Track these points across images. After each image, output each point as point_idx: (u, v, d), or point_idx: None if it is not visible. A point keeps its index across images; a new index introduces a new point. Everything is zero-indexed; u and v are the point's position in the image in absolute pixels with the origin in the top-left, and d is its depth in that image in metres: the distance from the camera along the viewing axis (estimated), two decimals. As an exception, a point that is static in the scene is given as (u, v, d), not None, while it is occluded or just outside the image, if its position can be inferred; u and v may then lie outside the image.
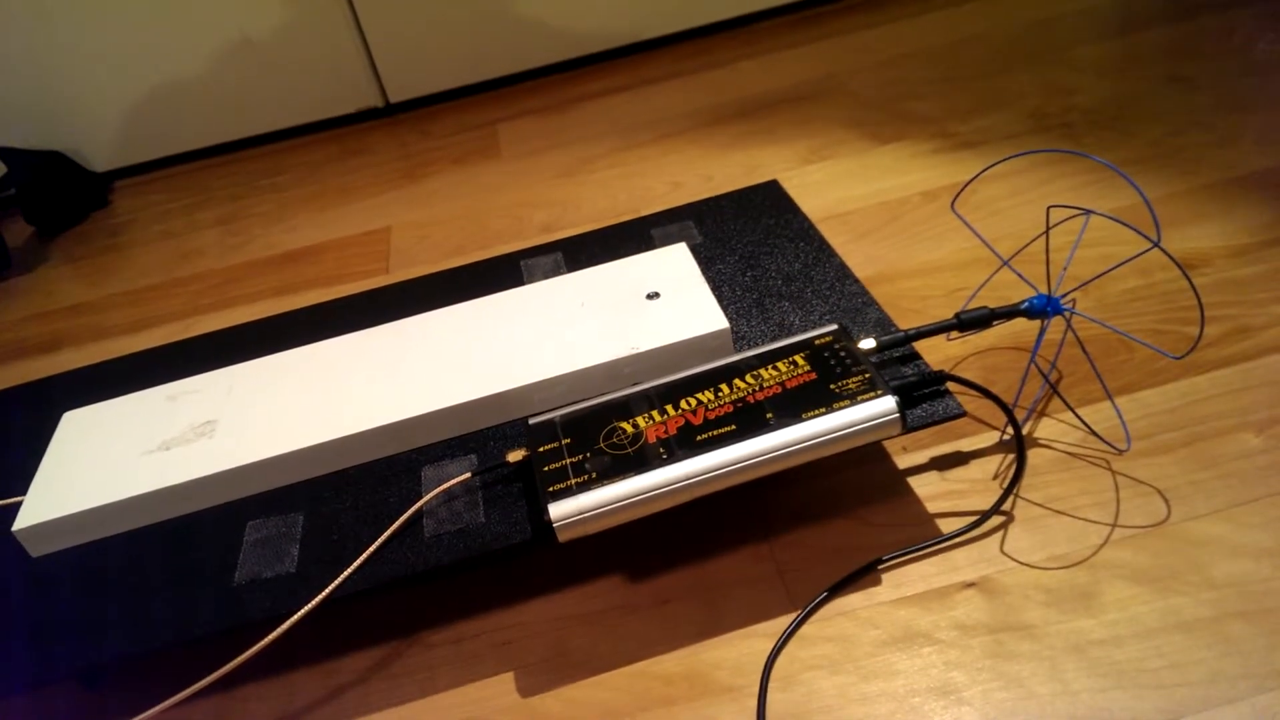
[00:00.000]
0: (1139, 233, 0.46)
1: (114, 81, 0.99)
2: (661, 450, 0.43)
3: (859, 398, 0.43)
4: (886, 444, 0.52)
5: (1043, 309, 0.48)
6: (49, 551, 0.48)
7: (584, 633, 0.46)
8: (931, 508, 0.48)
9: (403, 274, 0.78)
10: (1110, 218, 0.49)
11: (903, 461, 0.51)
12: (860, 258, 0.67)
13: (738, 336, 0.53)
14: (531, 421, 0.46)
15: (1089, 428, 0.51)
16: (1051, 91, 0.82)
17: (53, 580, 0.46)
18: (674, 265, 0.55)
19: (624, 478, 0.42)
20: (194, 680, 0.42)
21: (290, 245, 0.86)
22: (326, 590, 0.42)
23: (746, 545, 0.48)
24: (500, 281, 0.61)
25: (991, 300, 0.60)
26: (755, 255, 0.59)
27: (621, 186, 0.83)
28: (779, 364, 0.46)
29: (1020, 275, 0.54)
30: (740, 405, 0.44)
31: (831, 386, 0.44)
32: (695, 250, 0.60)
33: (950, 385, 0.49)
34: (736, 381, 0.45)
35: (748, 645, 0.44)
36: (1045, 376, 0.54)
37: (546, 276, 0.60)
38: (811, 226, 0.61)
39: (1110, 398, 0.52)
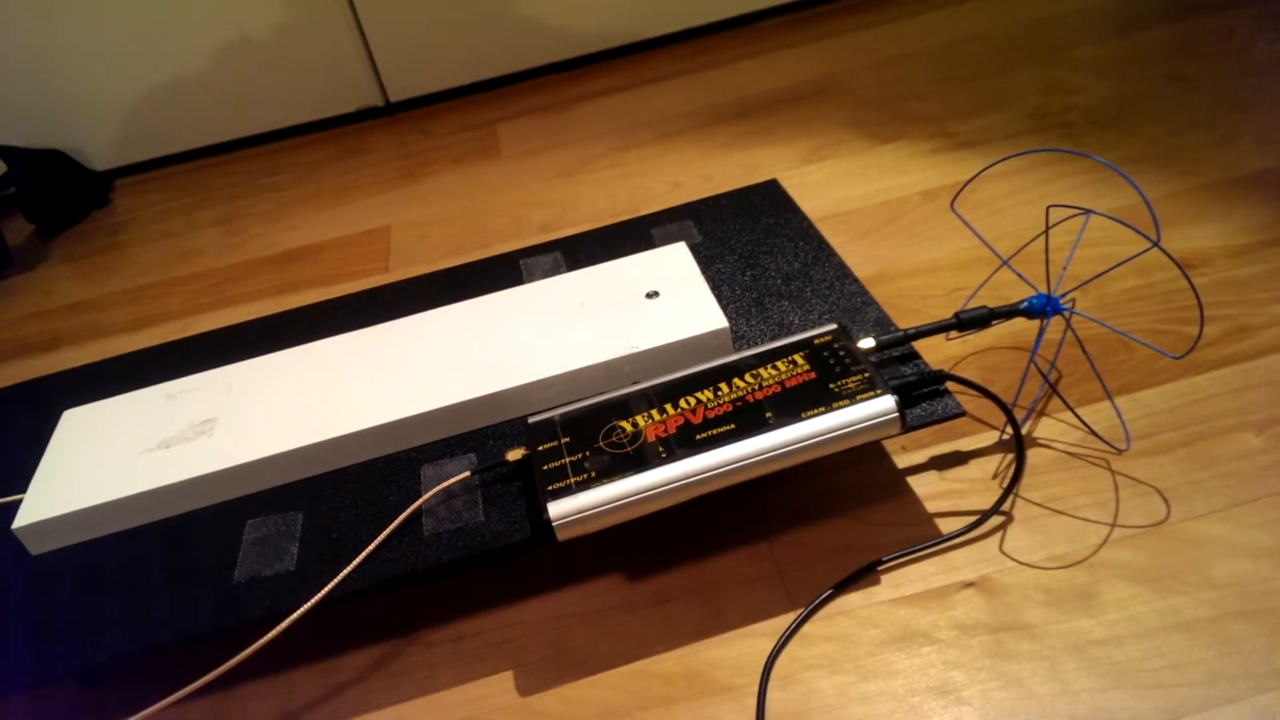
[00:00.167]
0: (1139, 232, 0.46)
1: (114, 80, 0.99)
2: (661, 449, 0.43)
3: (858, 397, 0.43)
4: (886, 444, 0.52)
5: (1042, 309, 0.48)
6: (49, 549, 0.48)
7: (583, 632, 0.46)
8: (931, 507, 0.48)
9: (402, 273, 0.78)
10: (1110, 217, 0.49)
11: (902, 461, 0.51)
12: (860, 257, 0.67)
13: (737, 336, 0.53)
14: (531, 420, 0.46)
15: (1089, 428, 0.51)
16: (1051, 91, 0.82)
17: (52, 578, 0.46)
18: (673, 265, 0.55)
19: (623, 477, 0.42)
20: (193, 679, 0.42)
21: (290, 244, 0.86)
22: (326, 589, 0.42)
23: (746, 545, 0.48)
24: (500, 281, 0.61)
25: (991, 300, 0.60)
26: (755, 255, 0.59)
27: (621, 186, 0.83)
28: (778, 363, 0.46)
29: (1020, 275, 0.54)
30: (739, 404, 0.44)
31: (831, 386, 0.44)
32: (695, 250, 0.60)
33: (950, 385, 0.49)
34: (736, 381, 0.45)
35: (747, 645, 0.44)
36: (1045, 376, 0.54)
37: (546, 276, 0.60)
38: (811, 226, 0.61)
39: (1110, 397, 0.52)
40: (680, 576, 0.47)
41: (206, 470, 0.47)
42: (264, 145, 1.06)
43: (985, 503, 0.48)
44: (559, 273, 0.60)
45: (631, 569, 0.48)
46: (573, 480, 0.42)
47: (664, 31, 1.06)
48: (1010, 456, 0.50)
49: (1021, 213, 0.68)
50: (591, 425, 0.45)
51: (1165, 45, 0.86)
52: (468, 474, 0.46)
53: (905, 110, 0.85)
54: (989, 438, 0.51)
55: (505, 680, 0.45)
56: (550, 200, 0.83)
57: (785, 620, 0.44)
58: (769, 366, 0.46)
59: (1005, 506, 0.47)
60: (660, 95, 0.97)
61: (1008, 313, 0.49)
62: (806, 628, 0.44)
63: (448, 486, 0.46)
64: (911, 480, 0.50)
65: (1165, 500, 0.46)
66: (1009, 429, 0.51)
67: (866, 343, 0.48)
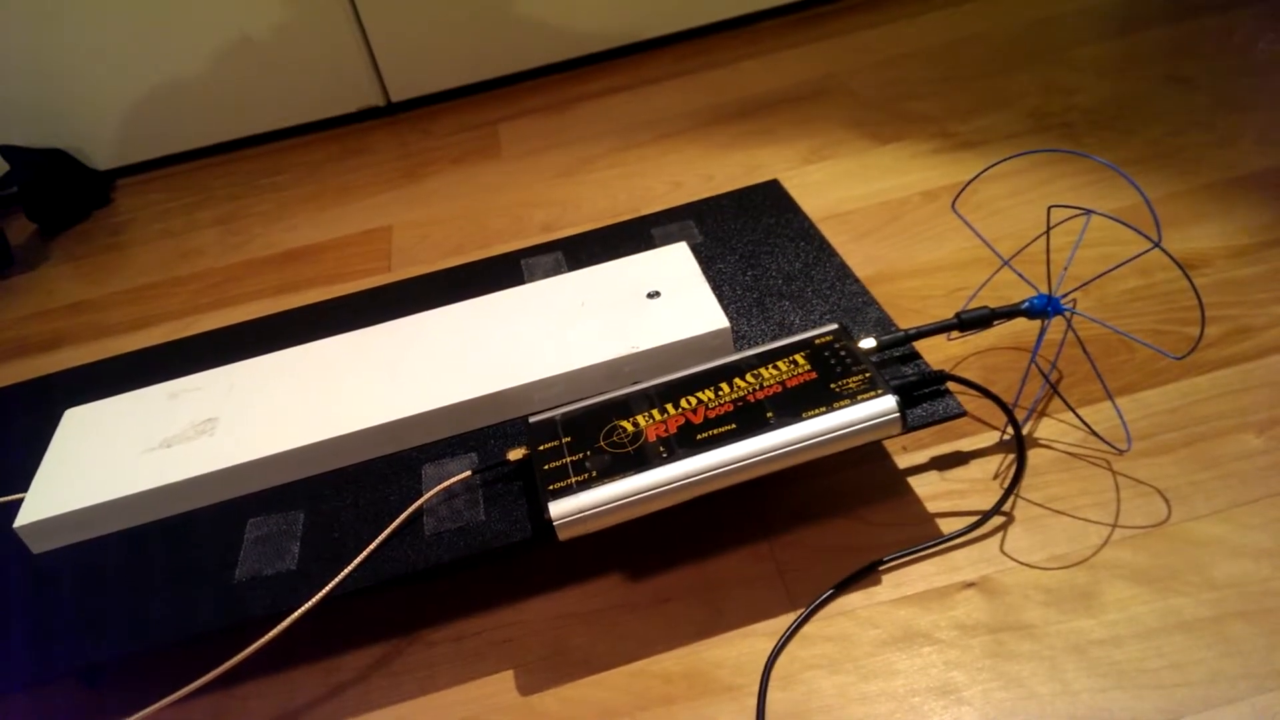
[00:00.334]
0: (1139, 233, 0.46)
1: (116, 80, 0.99)
2: (661, 449, 0.43)
3: (859, 397, 0.43)
4: (886, 443, 0.52)
5: (1043, 309, 0.48)
6: (50, 548, 0.48)
7: (584, 631, 0.46)
8: (931, 507, 0.48)
9: (403, 273, 0.78)
10: (1111, 218, 0.49)
11: (903, 461, 0.51)
12: (860, 257, 0.67)
13: (738, 336, 0.53)
14: (532, 420, 0.46)
15: (1089, 428, 0.51)
16: (1051, 91, 0.82)
17: (53, 577, 0.46)
18: (674, 264, 0.55)
19: (624, 476, 0.42)
20: (194, 678, 0.42)
21: (291, 244, 0.86)
22: (327, 588, 0.42)
23: (746, 545, 0.48)
24: (500, 281, 0.61)
25: (992, 300, 0.60)
26: (755, 255, 0.59)
27: (622, 186, 0.83)
28: (779, 363, 0.46)
29: (1021, 275, 0.54)
30: (740, 404, 0.44)
31: (832, 386, 0.44)
32: (696, 250, 0.60)
33: (950, 385, 0.49)
34: (737, 380, 0.45)
35: (747, 644, 0.44)
36: (1045, 376, 0.54)
37: (547, 276, 0.60)
38: (812, 226, 0.61)
39: (1110, 398, 0.52)
40: (681, 576, 0.47)
41: (208, 469, 0.47)
42: (265, 145, 1.06)
43: (986, 503, 0.48)
44: (560, 273, 0.60)
45: (632, 569, 0.48)
46: (573, 480, 0.42)
47: (664, 31, 1.06)
48: (1011, 457, 0.50)
49: (1022, 213, 0.68)
50: (592, 425, 0.45)
51: (1165, 45, 0.86)
52: (469, 473, 0.46)
53: (906, 110, 0.85)
54: (990, 438, 0.51)
55: (506, 680, 0.45)
56: (551, 200, 0.83)
57: (786, 620, 0.44)
58: (770, 366, 0.46)
59: (1006, 507, 0.47)
60: (661, 95, 0.97)
61: (1009, 313, 0.49)
62: (807, 628, 0.44)
63: (449, 486, 0.46)
64: (912, 480, 0.50)
65: (1166, 501, 0.46)
66: (1010, 429, 0.51)
67: (867, 343, 0.48)
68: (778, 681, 0.42)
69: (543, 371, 0.49)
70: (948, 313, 0.60)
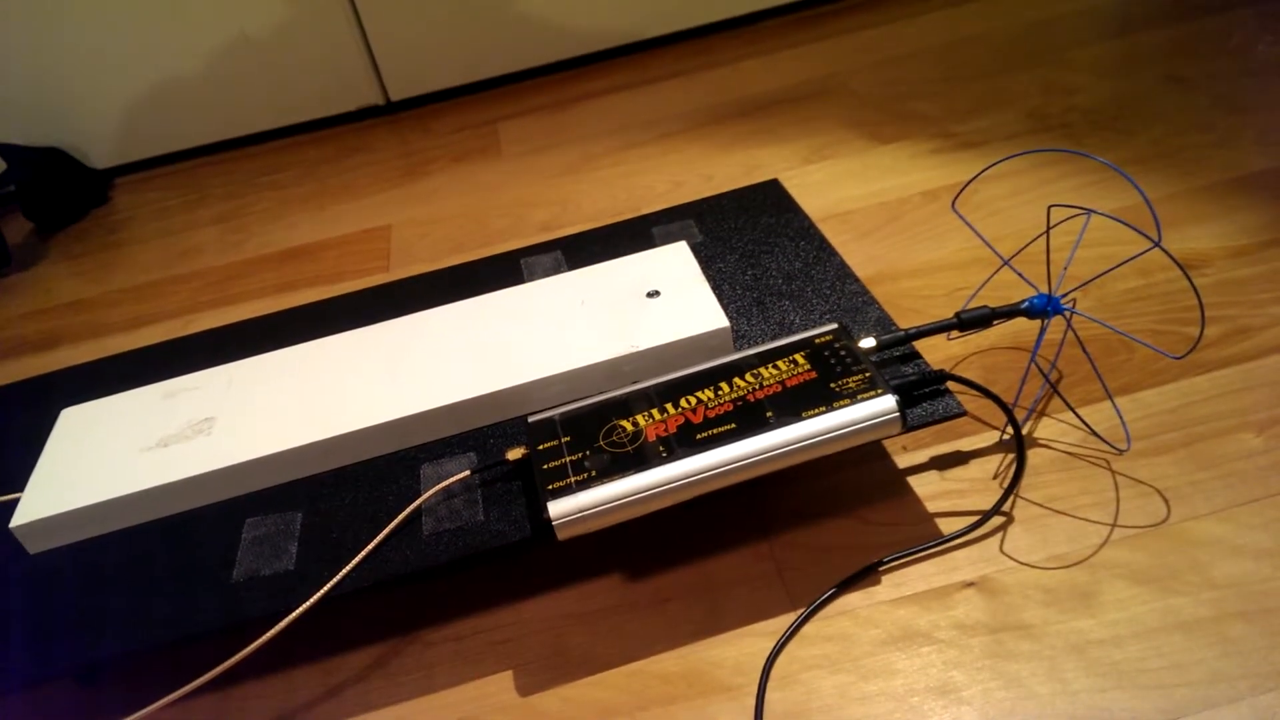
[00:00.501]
0: (1140, 233, 0.46)
1: (114, 78, 0.99)
2: (661, 449, 0.43)
3: (859, 396, 0.43)
4: (886, 443, 0.52)
5: (1043, 309, 0.48)
6: (47, 548, 0.48)
7: (583, 631, 0.46)
8: (931, 507, 0.48)
9: (403, 272, 0.77)
10: (1111, 217, 0.49)
11: (903, 461, 0.51)
12: (861, 257, 0.67)
13: (738, 335, 0.53)
14: (531, 419, 0.46)
15: (1089, 428, 0.51)
16: (1051, 91, 0.82)
17: (50, 577, 0.46)
18: (674, 264, 0.55)
19: (623, 476, 0.42)
20: (192, 678, 0.41)
21: (290, 243, 0.86)
22: (325, 588, 0.42)
23: (746, 544, 0.48)
24: (500, 279, 0.60)
25: (992, 300, 0.60)
26: (756, 254, 0.59)
27: (622, 185, 0.83)
28: (779, 362, 0.46)
29: (1021, 275, 0.54)
30: (740, 404, 0.44)
31: (832, 385, 0.44)
32: (696, 249, 0.60)
33: (950, 384, 0.49)
34: (736, 380, 0.45)
35: (747, 644, 0.44)
36: (1045, 376, 0.54)
37: (547, 275, 0.60)
38: (812, 226, 0.61)
39: (1110, 398, 0.52)
40: (680, 576, 0.47)
41: (205, 469, 0.47)
42: (264, 144, 1.06)
43: (986, 503, 0.48)
44: (560, 272, 0.60)
45: (631, 569, 0.48)
46: (573, 479, 0.42)
47: (665, 31, 1.06)
48: (1011, 456, 0.50)
49: (1022, 213, 0.68)
50: (592, 424, 0.45)
51: (1165, 45, 0.86)
52: (468, 473, 0.46)
53: (906, 110, 0.85)
54: (990, 438, 0.51)
55: (505, 680, 0.45)
56: (551, 199, 0.83)
57: (785, 620, 0.44)
58: (770, 366, 0.46)
59: (1006, 506, 0.47)
60: (661, 95, 0.97)
61: (1009, 313, 0.49)
62: (806, 627, 0.44)
63: (447, 485, 0.46)
64: (912, 480, 0.50)
65: (1165, 500, 0.46)
66: (1010, 429, 0.51)
67: (867, 342, 0.48)
68: (777, 681, 0.42)
69: (542, 371, 0.49)
70: (948, 312, 0.60)
